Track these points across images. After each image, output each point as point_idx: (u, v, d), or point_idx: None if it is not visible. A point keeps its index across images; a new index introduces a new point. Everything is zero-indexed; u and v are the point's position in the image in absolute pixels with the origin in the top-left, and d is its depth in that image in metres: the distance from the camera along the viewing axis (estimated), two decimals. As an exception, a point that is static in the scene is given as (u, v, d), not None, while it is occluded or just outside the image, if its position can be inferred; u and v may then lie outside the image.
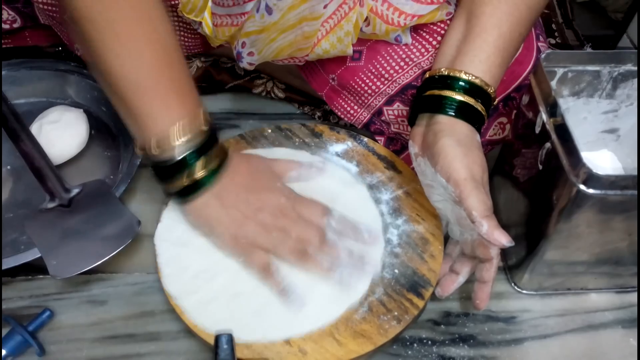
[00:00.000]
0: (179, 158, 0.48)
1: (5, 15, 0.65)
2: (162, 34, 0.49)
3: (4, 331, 0.52)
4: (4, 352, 0.50)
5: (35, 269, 0.57)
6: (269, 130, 0.64)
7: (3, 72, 0.69)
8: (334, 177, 0.59)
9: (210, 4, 0.54)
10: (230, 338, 0.47)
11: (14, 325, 0.51)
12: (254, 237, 0.50)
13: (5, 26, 0.66)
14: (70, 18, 0.47)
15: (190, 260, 0.53)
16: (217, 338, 0.47)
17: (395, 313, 0.51)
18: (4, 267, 0.53)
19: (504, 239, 0.46)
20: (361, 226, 0.54)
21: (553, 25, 0.91)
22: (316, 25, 0.54)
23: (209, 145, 0.50)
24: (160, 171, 0.50)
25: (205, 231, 0.53)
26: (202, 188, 0.50)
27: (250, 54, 0.58)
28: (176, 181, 0.49)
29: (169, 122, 0.48)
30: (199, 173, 0.49)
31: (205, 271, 0.52)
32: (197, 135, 0.48)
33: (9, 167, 0.64)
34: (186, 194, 0.51)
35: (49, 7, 0.61)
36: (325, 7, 0.53)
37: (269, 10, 0.52)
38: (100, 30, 0.46)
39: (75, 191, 0.59)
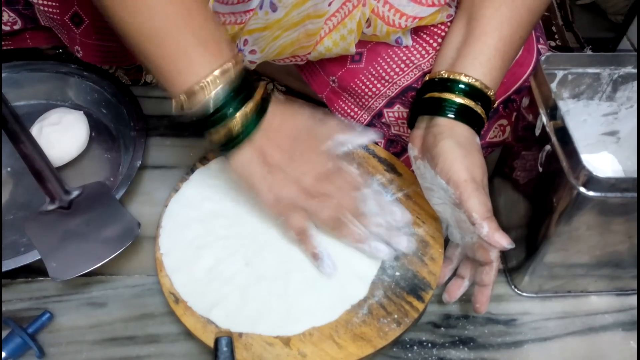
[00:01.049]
0: (213, 111, 0.46)
1: (5, 17, 0.65)
2: None
3: (4, 333, 0.52)
4: (3, 354, 0.50)
5: (35, 271, 0.57)
6: None
7: (3, 74, 0.69)
8: None
9: (212, 2, 0.54)
10: (230, 340, 0.47)
11: (13, 327, 0.51)
12: (296, 200, 0.51)
13: (6, 28, 0.66)
14: None
15: (196, 262, 0.53)
16: (217, 340, 0.47)
17: (395, 316, 0.51)
18: (3, 269, 0.53)
19: (504, 241, 0.46)
20: (395, 206, 0.54)
21: (553, 28, 0.91)
22: (320, 22, 0.54)
23: (243, 96, 0.47)
24: (198, 123, 0.48)
25: (247, 187, 0.52)
26: (241, 138, 0.48)
27: (252, 52, 0.57)
28: (215, 135, 0.48)
29: (195, 77, 0.46)
30: (236, 127, 0.47)
31: (212, 271, 0.53)
32: (227, 86, 0.46)
33: (9, 169, 0.64)
34: (227, 147, 0.49)
35: (50, 9, 0.61)
36: (329, 4, 0.53)
37: (273, 8, 0.52)
38: None
39: (75, 193, 0.59)
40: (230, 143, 0.49)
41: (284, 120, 0.51)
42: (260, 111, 0.49)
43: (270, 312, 0.51)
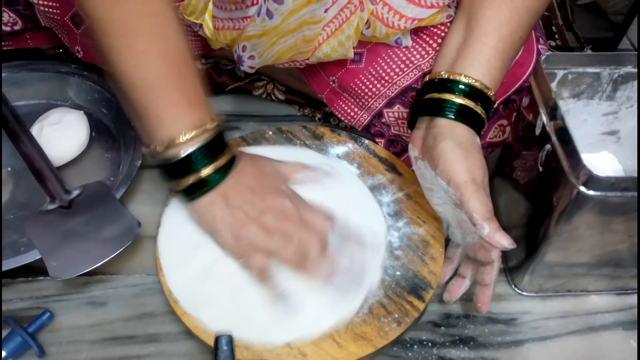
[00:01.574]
0: (184, 155, 0.49)
1: (6, 18, 0.66)
2: (168, 33, 0.49)
3: (4, 332, 0.52)
4: (3, 353, 0.50)
5: (35, 270, 0.57)
6: (270, 132, 0.64)
7: (4, 74, 0.69)
8: (339, 181, 0.59)
9: (211, 7, 0.54)
10: (230, 339, 0.47)
11: (14, 326, 0.51)
12: (256, 239, 0.50)
13: (6, 28, 0.67)
14: (85, 17, 0.49)
15: (192, 261, 0.53)
16: (217, 339, 0.47)
17: (396, 315, 0.51)
18: (4, 268, 0.53)
19: (505, 242, 0.46)
20: (364, 232, 0.54)
21: (553, 28, 0.91)
22: (317, 29, 0.55)
23: (216, 144, 0.50)
24: (167, 169, 0.50)
25: (208, 230, 0.52)
26: (208, 186, 0.50)
27: (251, 57, 0.58)
28: (182, 179, 0.50)
29: (175, 123, 0.49)
30: (205, 171, 0.49)
31: (207, 271, 0.53)
32: (203, 133, 0.49)
33: (9, 168, 0.64)
34: (192, 192, 0.51)
35: (50, 10, 0.61)
36: (326, 11, 0.53)
37: (269, 15, 0.52)
38: (108, 30, 0.47)
39: (75, 193, 0.59)
40: (196, 191, 0.51)
41: (246, 164, 0.53)
42: (228, 166, 0.51)
43: (262, 317, 0.50)
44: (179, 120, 0.49)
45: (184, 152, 0.48)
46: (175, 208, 0.57)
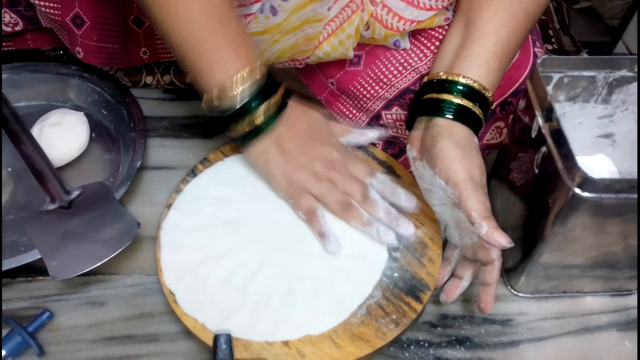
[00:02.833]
0: (239, 106, 0.52)
1: (7, 18, 0.66)
2: None
3: (4, 332, 0.52)
4: (3, 352, 0.51)
5: (35, 270, 0.57)
6: None
7: (4, 75, 0.69)
8: None
9: None
10: (229, 338, 0.48)
11: (13, 326, 0.52)
12: (306, 183, 0.54)
13: (7, 29, 0.67)
14: None
15: (192, 261, 0.54)
16: (216, 338, 0.47)
17: (394, 317, 0.51)
18: (4, 268, 0.54)
19: (503, 240, 0.47)
20: (400, 191, 0.56)
21: (550, 31, 0.92)
22: (319, 27, 0.55)
23: (267, 92, 0.53)
24: (224, 119, 0.54)
25: (262, 173, 0.57)
26: (263, 133, 0.54)
27: None
28: (238, 127, 0.54)
29: (226, 74, 0.51)
30: (259, 119, 0.53)
31: (207, 271, 0.53)
32: (253, 84, 0.51)
33: (9, 169, 0.65)
34: (248, 138, 0.55)
35: (51, 11, 0.62)
36: (329, 9, 0.54)
37: (273, 12, 0.53)
38: None
39: (75, 193, 0.59)
40: (252, 134, 0.54)
41: (300, 115, 0.56)
42: (281, 107, 0.55)
43: (264, 317, 0.50)
44: (229, 71, 0.51)
45: (238, 102, 0.52)
46: (175, 211, 0.57)
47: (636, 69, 0.54)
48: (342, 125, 0.60)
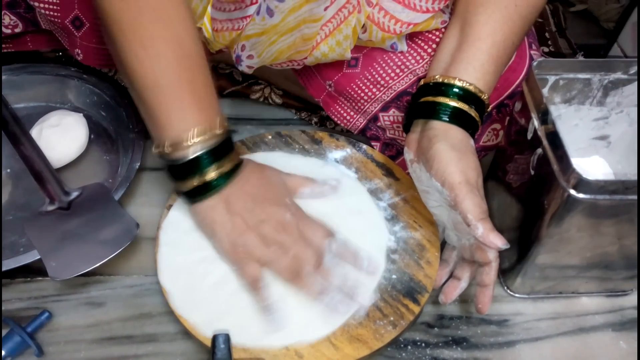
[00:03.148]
0: (191, 157, 0.49)
1: (7, 20, 0.66)
2: (183, 38, 0.50)
3: (3, 332, 0.52)
4: (3, 352, 0.51)
5: (34, 271, 0.57)
6: (270, 137, 0.65)
7: (4, 77, 0.70)
8: (346, 198, 0.59)
9: (210, 9, 0.55)
10: (227, 338, 0.48)
11: (13, 326, 0.52)
12: (252, 247, 0.51)
13: (7, 31, 0.67)
14: (99, 19, 0.49)
15: (191, 264, 0.54)
16: (215, 338, 0.48)
17: (392, 318, 0.52)
18: (3, 268, 0.54)
19: (499, 242, 0.47)
20: (362, 253, 0.54)
21: (546, 34, 0.92)
22: (316, 27, 0.55)
23: (223, 149, 0.51)
24: (173, 170, 0.51)
25: (207, 233, 0.53)
26: (212, 190, 0.51)
27: (250, 57, 0.59)
28: (187, 181, 0.51)
29: (185, 126, 0.49)
30: (210, 175, 0.50)
31: (205, 275, 0.53)
32: (211, 138, 0.50)
33: (8, 170, 0.65)
34: (196, 194, 0.52)
35: (50, 13, 0.62)
36: (325, 9, 0.54)
37: (270, 13, 0.53)
38: (123, 31, 0.48)
39: (74, 194, 0.59)
40: (200, 194, 0.51)
41: (253, 173, 0.54)
42: (233, 171, 0.52)
43: (253, 322, 0.51)
44: (188, 122, 0.49)
45: (191, 154, 0.49)
46: (175, 211, 0.57)
47: (631, 72, 0.54)
48: (298, 179, 0.57)
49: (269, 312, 0.50)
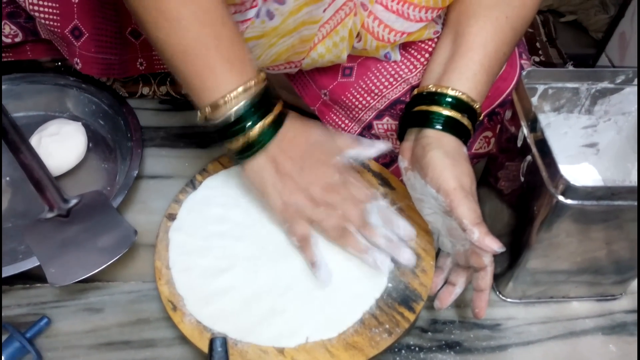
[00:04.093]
0: (232, 113, 0.50)
1: (7, 30, 0.67)
2: (208, 5, 0.49)
3: (3, 338, 0.53)
4: (2, 358, 0.51)
5: (33, 277, 0.58)
6: None
7: (3, 86, 0.70)
8: None
9: None
10: (224, 341, 0.48)
11: (12, 332, 0.52)
12: (302, 207, 0.53)
13: (7, 40, 0.68)
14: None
15: (193, 269, 0.55)
16: (212, 341, 0.48)
17: (387, 326, 0.52)
18: (2, 275, 0.54)
19: (495, 245, 0.48)
20: (400, 221, 0.55)
21: (537, 44, 0.94)
22: (314, 29, 0.56)
23: (263, 109, 0.51)
24: (220, 132, 0.52)
25: (258, 192, 0.55)
26: (258, 150, 0.52)
27: None
28: (233, 142, 0.51)
29: (218, 93, 0.49)
30: (254, 130, 0.51)
31: (207, 278, 0.54)
32: (247, 101, 0.50)
33: (8, 178, 0.65)
34: (243, 154, 0.52)
35: (50, 23, 0.63)
36: (324, 11, 0.55)
37: (270, 16, 0.53)
38: (141, 3, 0.48)
39: (73, 202, 0.60)
40: (247, 152, 0.52)
41: (298, 134, 0.54)
42: (277, 125, 0.52)
43: (269, 323, 0.51)
44: (220, 81, 0.49)
45: (230, 112, 0.50)
46: (182, 217, 0.58)
47: (617, 81, 0.55)
48: (343, 139, 0.57)
49: (317, 267, 0.52)
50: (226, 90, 0.49)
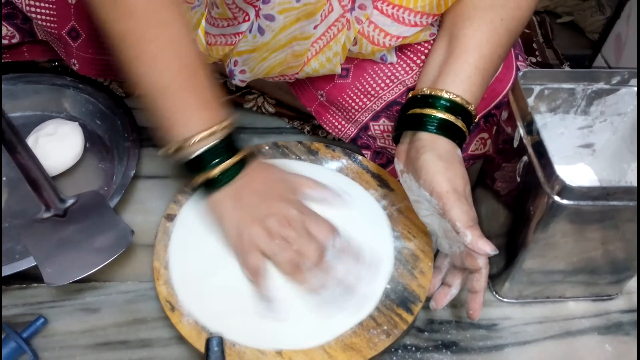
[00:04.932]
0: (194, 157, 0.52)
1: (4, 31, 0.67)
2: (180, 41, 0.51)
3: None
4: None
5: (30, 277, 0.58)
6: (267, 147, 0.66)
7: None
8: (353, 206, 0.59)
9: (204, 23, 0.56)
10: (221, 341, 0.48)
11: (8, 332, 0.52)
12: (257, 239, 0.52)
13: (5, 41, 0.68)
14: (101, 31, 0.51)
15: (195, 265, 0.55)
16: (208, 340, 0.48)
17: (385, 327, 0.52)
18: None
19: (488, 248, 0.48)
20: (364, 253, 0.54)
21: (534, 45, 0.94)
22: (306, 45, 0.57)
23: (225, 147, 0.52)
24: (183, 167, 0.53)
25: (216, 224, 0.55)
26: (217, 185, 0.53)
27: (242, 72, 0.60)
28: (194, 178, 0.53)
29: (187, 127, 0.51)
30: (214, 172, 0.52)
31: (205, 278, 0.54)
32: (211, 135, 0.51)
33: (5, 178, 0.65)
34: (204, 189, 0.54)
35: (47, 24, 0.63)
36: (315, 27, 0.55)
37: (261, 31, 0.54)
38: (121, 41, 0.50)
39: (70, 202, 0.60)
40: (208, 187, 0.54)
41: (260, 171, 0.55)
42: (239, 167, 0.54)
43: (267, 325, 0.51)
44: (189, 122, 0.51)
45: (194, 153, 0.51)
46: (190, 207, 0.59)
47: (613, 82, 0.56)
48: (303, 179, 0.58)
49: (268, 302, 0.52)
50: (193, 131, 0.51)
